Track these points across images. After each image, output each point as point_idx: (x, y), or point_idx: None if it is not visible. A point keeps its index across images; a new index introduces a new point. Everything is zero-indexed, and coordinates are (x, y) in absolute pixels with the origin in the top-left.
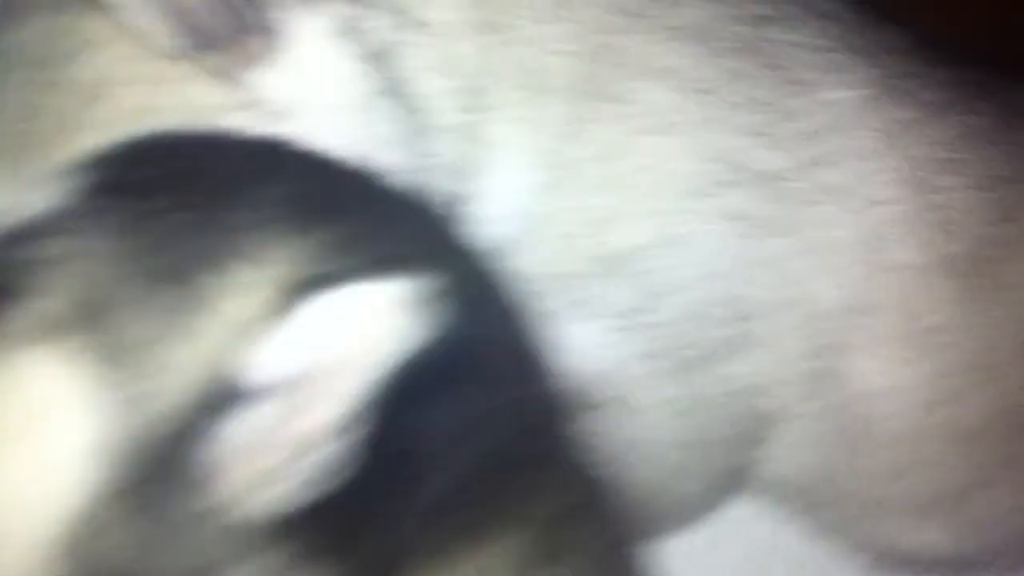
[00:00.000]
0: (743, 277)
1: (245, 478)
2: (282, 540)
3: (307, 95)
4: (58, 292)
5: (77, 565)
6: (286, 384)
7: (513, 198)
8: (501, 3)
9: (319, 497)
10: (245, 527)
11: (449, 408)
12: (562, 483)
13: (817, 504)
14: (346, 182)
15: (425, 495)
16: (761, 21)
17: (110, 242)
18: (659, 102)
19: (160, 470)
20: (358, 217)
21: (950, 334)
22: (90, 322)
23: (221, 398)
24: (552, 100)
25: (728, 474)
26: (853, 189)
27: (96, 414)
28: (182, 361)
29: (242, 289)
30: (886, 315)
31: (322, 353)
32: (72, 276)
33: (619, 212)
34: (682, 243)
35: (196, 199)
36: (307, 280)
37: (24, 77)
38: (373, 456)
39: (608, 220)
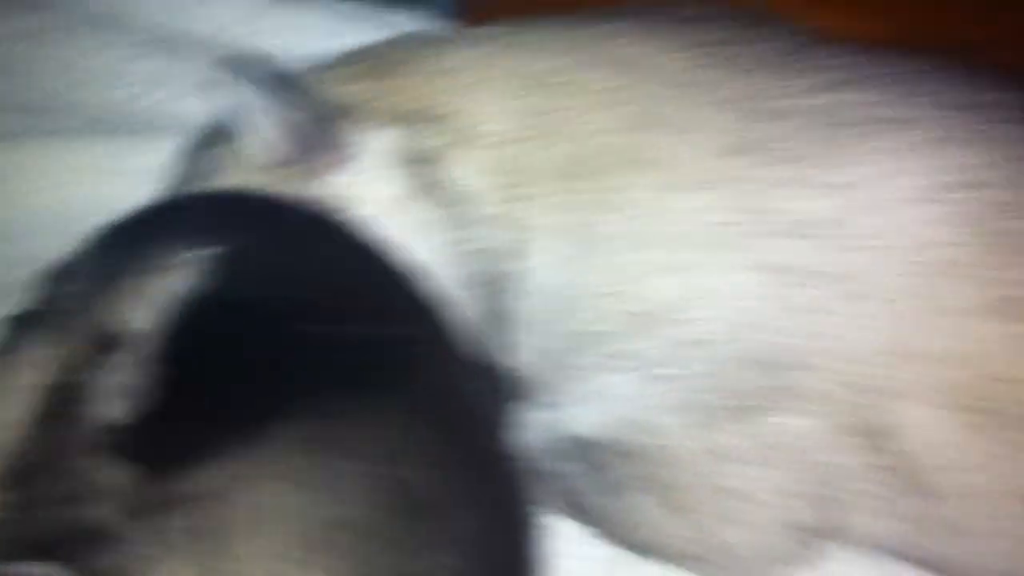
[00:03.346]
0: (783, 327)
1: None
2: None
3: (365, 195)
4: None
5: None
6: None
7: (549, 271)
8: (550, 108)
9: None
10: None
11: None
12: None
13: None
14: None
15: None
16: (829, 87)
17: None
18: (693, 161)
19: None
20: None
21: (1009, 383)
22: None
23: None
24: (588, 180)
25: (797, 530)
26: (905, 230)
27: None
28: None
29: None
30: (937, 363)
31: None
32: None
33: (652, 268)
34: (716, 295)
35: None
36: None
37: None
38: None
39: (642, 277)
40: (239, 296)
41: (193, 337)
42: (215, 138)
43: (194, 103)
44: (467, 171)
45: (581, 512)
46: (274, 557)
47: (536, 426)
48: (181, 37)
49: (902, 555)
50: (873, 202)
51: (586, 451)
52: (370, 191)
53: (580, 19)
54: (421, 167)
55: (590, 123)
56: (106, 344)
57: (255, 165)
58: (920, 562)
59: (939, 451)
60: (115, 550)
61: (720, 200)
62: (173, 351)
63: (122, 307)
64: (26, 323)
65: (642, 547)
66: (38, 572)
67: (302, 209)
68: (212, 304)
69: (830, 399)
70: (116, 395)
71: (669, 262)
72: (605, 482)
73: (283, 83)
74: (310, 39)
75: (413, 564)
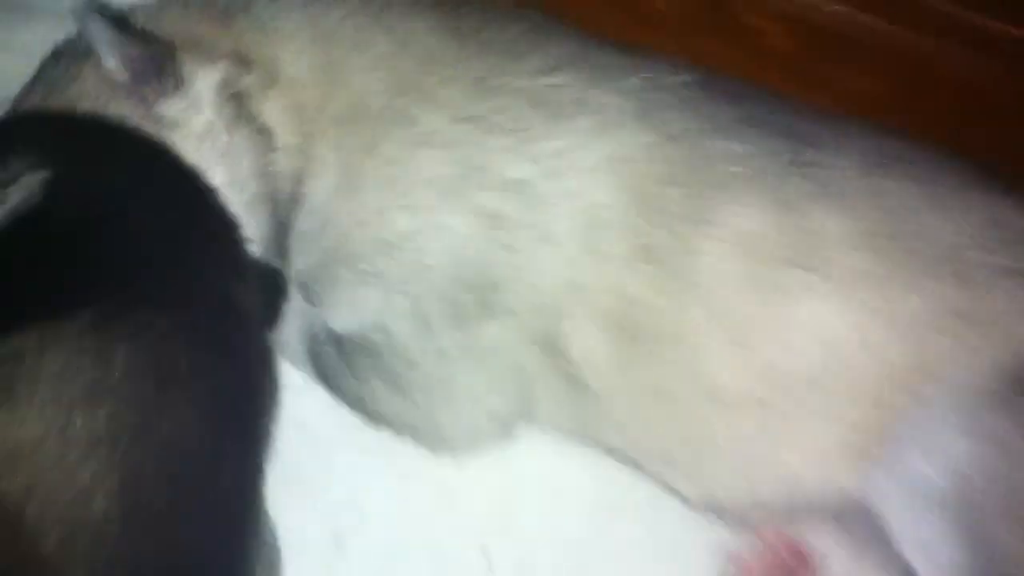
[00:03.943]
0: (487, 260)
1: None
2: None
3: (188, 121)
4: None
5: None
6: None
7: (322, 196)
8: (339, 63)
9: None
10: None
11: None
12: None
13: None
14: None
15: None
16: (543, 72)
17: None
18: (434, 124)
19: None
20: None
21: (646, 309)
22: None
23: None
24: (358, 127)
25: (497, 416)
26: (580, 193)
27: None
28: None
29: None
30: (594, 293)
31: None
32: None
33: (397, 206)
34: (439, 231)
35: None
36: None
37: None
38: None
39: (388, 211)
40: (60, 208)
41: (20, 238)
42: (71, 54)
43: None
44: (270, 108)
45: (334, 389)
46: (56, 405)
47: (304, 318)
48: None
49: (578, 439)
50: (560, 169)
51: (339, 344)
52: (192, 118)
53: None
54: (236, 101)
55: (366, 81)
56: None
57: (99, 85)
58: (594, 445)
59: (594, 359)
60: None
61: (450, 158)
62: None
63: None
64: None
65: (375, 419)
66: None
67: (123, 133)
68: (40, 212)
69: (519, 316)
70: None
71: (407, 202)
72: (352, 369)
73: (122, 22)
74: None
75: (160, 423)
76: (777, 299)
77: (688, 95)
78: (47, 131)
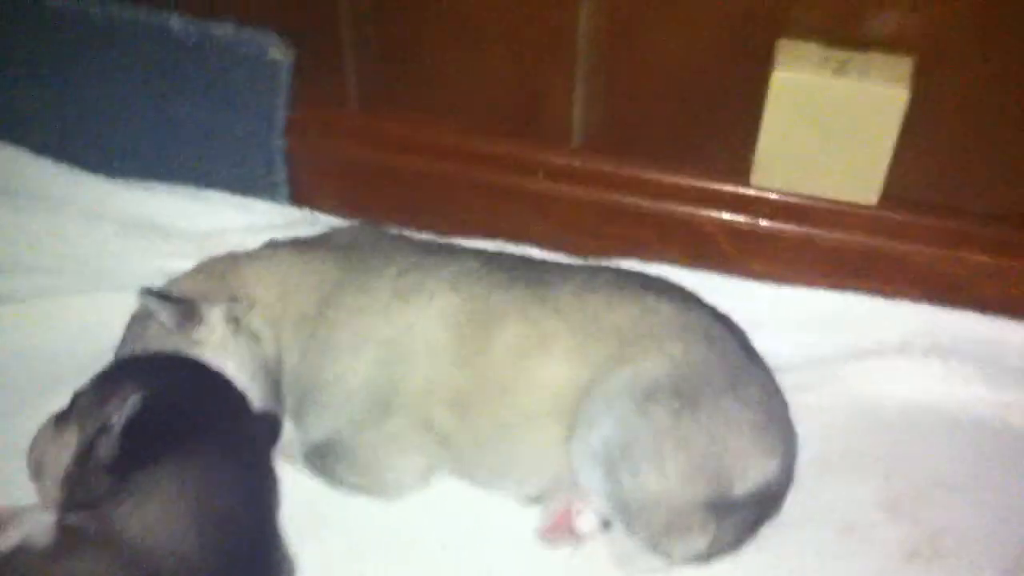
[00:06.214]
0: (384, 382)
1: None
2: None
3: (212, 338)
4: None
5: None
6: None
7: (293, 363)
8: (292, 287)
9: None
10: None
11: None
12: None
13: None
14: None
15: None
16: (395, 277)
17: None
18: (342, 317)
19: None
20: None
21: (469, 393)
22: None
23: None
24: (309, 323)
25: (415, 471)
26: (424, 337)
27: None
28: None
29: None
30: (442, 389)
31: None
32: None
33: (329, 362)
34: (354, 372)
35: None
36: None
37: None
38: None
39: (325, 367)
40: (155, 409)
41: (136, 427)
42: (142, 316)
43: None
44: (255, 322)
45: (318, 473)
46: (162, 503)
47: (296, 437)
48: (127, 218)
49: (457, 476)
50: (412, 326)
51: (317, 447)
52: (212, 337)
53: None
54: (235, 323)
55: (304, 300)
56: (103, 428)
57: (160, 331)
58: (466, 479)
59: (449, 427)
60: (105, 504)
61: (351, 333)
62: (126, 433)
63: (109, 412)
64: (66, 412)
65: (345, 487)
66: (74, 520)
67: (185, 360)
68: (144, 411)
69: (408, 410)
70: (105, 449)
71: (332, 360)
72: (324, 461)
73: (164, 295)
74: (194, 214)
75: (217, 501)
76: (531, 371)
77: (480, 272)
78: (140, 368)
